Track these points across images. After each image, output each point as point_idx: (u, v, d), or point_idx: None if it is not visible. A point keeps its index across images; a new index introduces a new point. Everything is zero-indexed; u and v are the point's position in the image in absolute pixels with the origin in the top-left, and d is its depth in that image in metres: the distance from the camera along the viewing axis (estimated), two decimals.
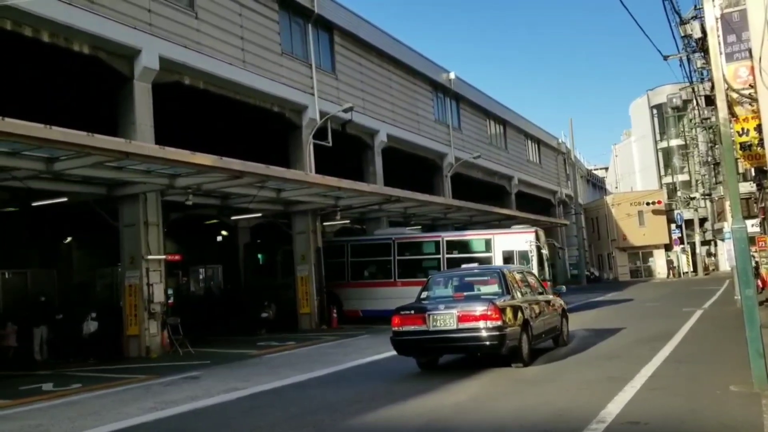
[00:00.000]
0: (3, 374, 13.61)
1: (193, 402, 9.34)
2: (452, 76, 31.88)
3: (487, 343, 9.96)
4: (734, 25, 15.60)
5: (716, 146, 30.60)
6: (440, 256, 21.67)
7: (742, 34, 15.43)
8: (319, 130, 21.51)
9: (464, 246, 22.04)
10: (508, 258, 20.24)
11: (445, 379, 9.89)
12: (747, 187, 21.51)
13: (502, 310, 10.07)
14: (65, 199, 15.70)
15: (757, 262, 23.35)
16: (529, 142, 45.64)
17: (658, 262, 51.84)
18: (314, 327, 20.97)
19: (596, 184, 73.41)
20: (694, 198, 48.74)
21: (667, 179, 56.42)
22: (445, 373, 10.54)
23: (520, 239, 20.70)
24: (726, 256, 27.35)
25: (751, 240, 19.56)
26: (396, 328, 10.56)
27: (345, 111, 21.64)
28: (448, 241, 22.00)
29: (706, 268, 50.06)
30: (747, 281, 8.18)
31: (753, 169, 19.21)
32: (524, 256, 20.13)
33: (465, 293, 11.16)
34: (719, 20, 14.10)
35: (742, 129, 15.63)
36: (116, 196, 15.75)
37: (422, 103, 29.54)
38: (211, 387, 10.58)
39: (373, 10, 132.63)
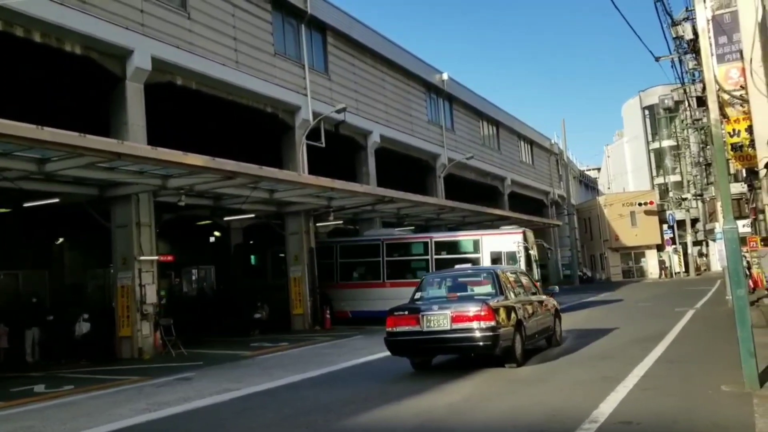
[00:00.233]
0: None
1: (185, 403, 9.31)
2: (445, 77, 31.92)
3: (481, 343, 9.98)
4: (725, 27, 15.72)
5: (707, 147, 30.77)
6: (429, 257, 21.70)
7: (733, 36, 15.55)
8: (312, 130, 21.49)
9: (453, 247, 22.07)
10: (496, 259, 20.27)
11: (438, 379, 9.90)
12: (738, 188, 21.61)
13: (495, 311, 10.10)
14: (57, 200, 15.62)
15: (748, 263, 23.49)
16: (522, 142, 45.74)
17: (650, 263, 52.08)
18: (307, 328, 20.95)
19: (589, 185, 73.64)
20: (685, 198, 48.99)
21: (659, 180, 56.67)
22: (438, 373, 10.55)
23: (507, 240, 20.74)
24: (717, 256, 27.43)
25: (743, 240, 19.71)
26: (390, 329, 10.57)
27: (338, 112, 21.63)
28: (436, 242, 22.03)
29: (697, 269, 50.31)
30: (738, 281, 8.23)
31: (744, 170, 19.36)
32: (512, 257, 20.16)
33: (459, 294, 11.18)
34: (710, 22, 14.20)
35: (733, 130, 15.74)
36: (108, 196, 15.68)
37: (415, 104, 29.56)
38: (203, 388, 10.55)
39: (367, 8, 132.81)
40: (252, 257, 26.08)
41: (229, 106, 19.44)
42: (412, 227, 28.87)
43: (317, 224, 23.15)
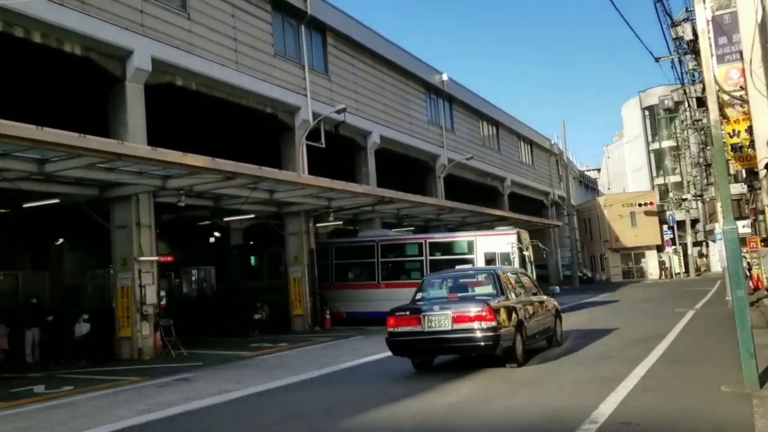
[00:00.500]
0: None
1: (185, 404, 9.31)
2: (445, 77, 31.92)
3: (482, 343, 9.99)
4: (725, 27, 15.73)
5: (707, 148, 30.77)
6: (423, 258, 21.68)
7: (733, 36, 15.57)
8: (312, 131, 21.49)
9: (447, 248, 22.01)
10: (490, 260, 20.20)
11: (439, 379, 9.90)
12: (738, 189, 21.63)
13: (496, 311, 10.11)
14: (57, 201, 15.61)
15: (748, 263, 23.50)
16: (522, 143, 45.74)
17: (650, 263, 52.07)
18: (307, 328, 20.94)
19: (588, 186, 73.65)
20: (685, 199, 48.98)
21: (659, 180, 56.69)
22: (439, 373, 10.55)
23: (502, 241, 20.69)
24: (717, 257, 27.47)
25: (743, 241, 19.70)
26: (391, 329, 10.59)
27: (338, 112, 21.63)
28: (431, 243, 21.99)
29: (697, 269, 50.31)
30: (738, 282, 8.23)
31: (744, 171, 19.35)
32: (506, 258, 20.10)
33: (459, 294, 11.19)
34: (710, 22, 14.20)
35: (733, 131, 15.76)
36: (108, 197, 15.67)
37: (415, 105, 29.56)
38: (203, 389, 10.55)
39: (367, 8, 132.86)
40: (252, 258, 26.08)
41: (228, 107, 19.44)
42: (412, 228, 28.85)
43: (317, 225, 23.15)
